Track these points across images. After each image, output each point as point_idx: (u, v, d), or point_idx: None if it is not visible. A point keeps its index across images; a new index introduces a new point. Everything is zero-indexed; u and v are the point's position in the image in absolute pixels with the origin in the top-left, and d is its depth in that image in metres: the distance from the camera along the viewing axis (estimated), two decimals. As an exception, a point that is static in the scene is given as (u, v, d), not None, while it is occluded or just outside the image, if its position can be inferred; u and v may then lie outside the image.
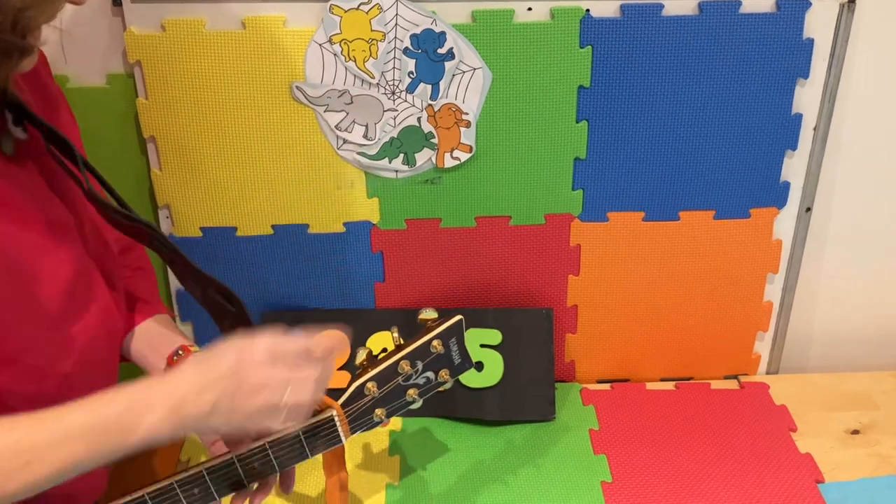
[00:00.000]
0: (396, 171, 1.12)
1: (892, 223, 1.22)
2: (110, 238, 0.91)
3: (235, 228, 1.15)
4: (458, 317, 0.94)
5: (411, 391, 0.92)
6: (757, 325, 1.26)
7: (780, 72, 1.08)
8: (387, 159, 1.11)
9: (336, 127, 1.08)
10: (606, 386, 1.28)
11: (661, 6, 1.04)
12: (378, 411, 0.90)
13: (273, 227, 1.15)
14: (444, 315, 0.95)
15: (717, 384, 1.28)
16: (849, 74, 1.10)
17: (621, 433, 1.18)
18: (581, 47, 1.05)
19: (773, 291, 1.24)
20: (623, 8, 1.04)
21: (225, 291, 0.90)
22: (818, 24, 1.06)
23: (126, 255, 0.98)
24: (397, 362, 0.91)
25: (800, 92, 1.10)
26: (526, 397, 1.18)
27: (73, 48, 1.05)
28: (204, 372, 0.74)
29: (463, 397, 1.18)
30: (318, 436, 0.85)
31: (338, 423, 0.86)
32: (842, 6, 1.05)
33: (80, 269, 0.80)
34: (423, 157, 1.11)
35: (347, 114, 1.08)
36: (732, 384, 1.28)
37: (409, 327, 1.20)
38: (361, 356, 0.92)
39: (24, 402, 0.74)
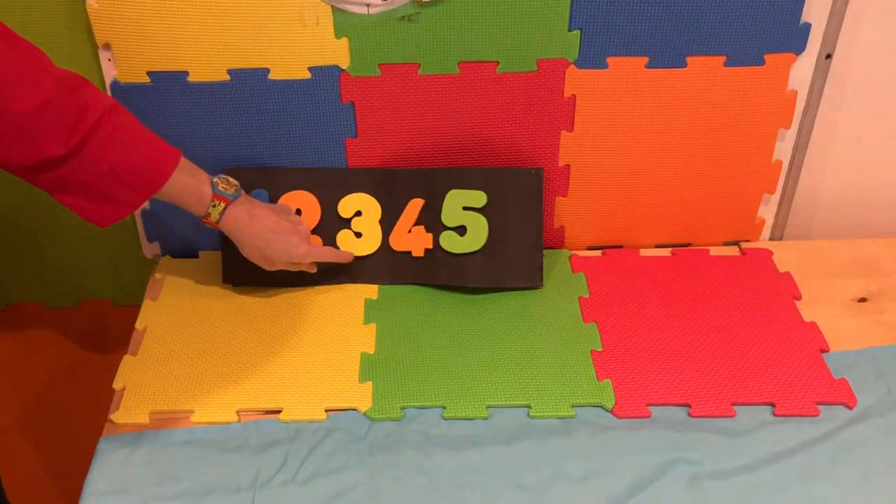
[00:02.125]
0: (368, 6, 0.98)
1: (918, 74, 1.11)
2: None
3: (187, 73, 1.01)
4: None
5: None
6: (763, 186, 1.16)
7: None
8: (358, -9, 0.97)
9: (298, -48, 0.94)
10: (598, 252, 1.18)
11: None
12: None
13: (229, 71, 1.02)
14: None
15: (716, 250, 1.19)
16: None
17: (613, 301, 1.09)
18: None
19: (783, 149, 1.13)
20: None
21: None
22: None
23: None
24: None
25: (831, -85, 0.96)
26: (512, 263, 1.09)
27: None
28: None
29: (445, 263, 1.08)
30: None
31: None
32: None
33: None
34: (400, -11, 0.97)
35: (310, -64, 0.93)
36: (733, 250, 1.20)
37: (390, 192, 1.10)
38: None
39: None
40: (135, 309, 1.08)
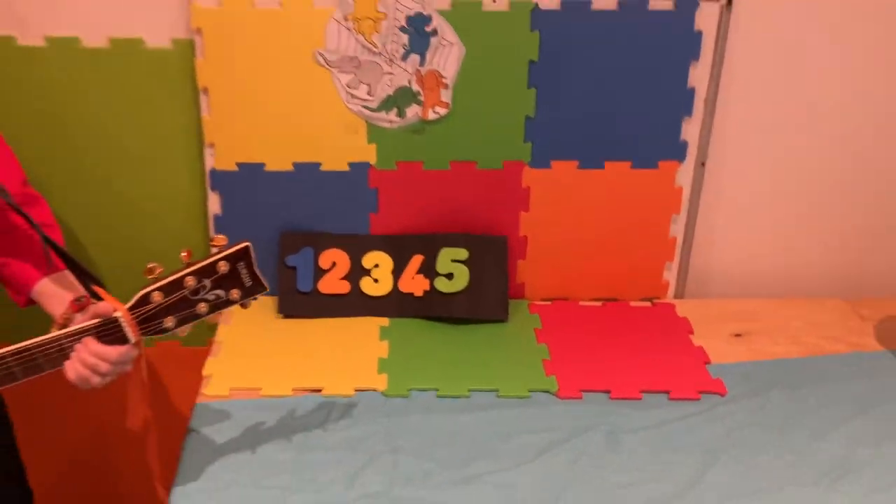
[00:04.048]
0: (391, 122, 1.47)
1: (771, 177, 1.59)
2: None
3: (264, 164, 1.48)
4: (245, 243, 1.05)
5: (202, 305, 1.05)
6: (664, 256, 1.62)
7: (677, 55, 1.46)
8: (384, 112, 1.45)
9: (346, 85, 1.43)
10: (548, 302, 1.62)
11: (590, 2, 1.41)
12: (167, 319, 1.04)
13: (294, 164, 1.49)
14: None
15: (634, 303, 1.64)
16: (730, 57, 1.48)
17: (559, 331, 1.52)
18: (531, 31, 1.42)
19: (676, 229, 1.60)
20: (563, 3, 1.41)
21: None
22: (706, 18, 1.44)
23: (26, 209, 1.15)
24: (182, 277, 1.03)
25: (693, 71, 1.47)
26: (486, 301, 1.52)
27: (147, 17, 1.38)
28: None
29: (438, 300, 1.51)
30: (108, 336, 1.03)
31: (123, 324, 1.03)
32: (722, 7, 1.44)
33: None
34: (412, 111, 1.46)
35: (355, 75, 1.42)
36: (647, 304, 1.64)
37: (400, 250, 1.54)
38: (152, 271, 1.02)
39: None
40: (199, 349, 1.46)
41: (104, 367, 1.04)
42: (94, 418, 1.73)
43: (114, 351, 1.04)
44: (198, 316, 1.06)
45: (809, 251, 1.67)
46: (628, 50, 1.45)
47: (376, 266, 1.54)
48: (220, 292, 1.06)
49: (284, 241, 1.51)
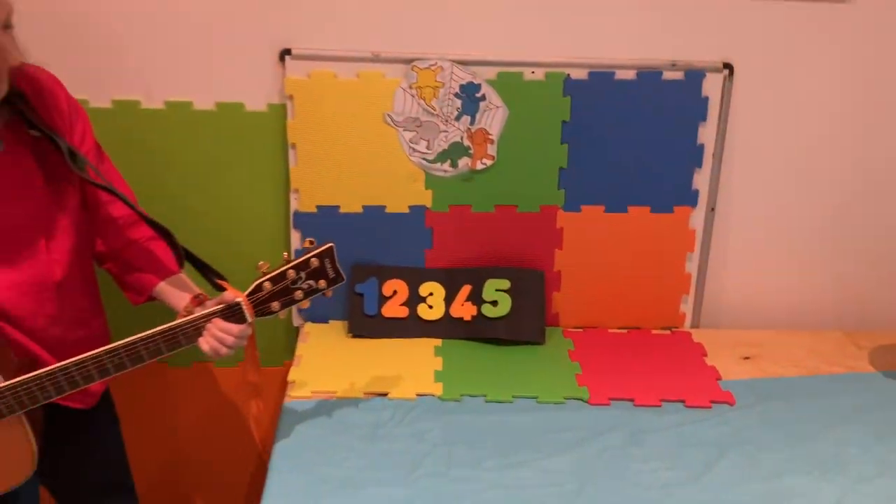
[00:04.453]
0: (445, 171, 1.74)
1: (773, 221, 1.84)
2: (117, 214, 1.41)
3: (339, 206, 1.76)
4: (330, 244, 1.35)
5: (298, 292, 1.34)
6: (681, 290, 1.86)
7: (688, 116, 1.73)
8: (440, 163, 1.73)
9: (409, 141, 1.71)
10: (580, 329, 1.86)
11: (614, 73, 1.69)
12: (274, 304, 1.33)
13: (363, 206, 1.76)
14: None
15: (655, 331, 1.87)
16: (733, 118, 1.74)
17: (589, 353, 1.76)
18: (564, 96, 1.70)
19: (691, 266, 1.84)
20: (590, 73, 1.69)
21: (165, 233, 1.40)
22: (711, 86, 1.71)
23: (137, 227, 1.43)
24: (285, 271, 1.33)
25: (702, 130, 1.74)
26: (526, 325, 1.76)
27: (248, 86, 1.68)
28: None
29: (484, 324, 1.76)
30: (231, 317, 1.32)
31: (244, 307, 1.32)
32: (725, 77, 1.71)
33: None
34: (463, 162, 1.73)
35: (417, 133, 1.71)
36: (666, 332, 1.87)
37: (451, 281, 1.79)
38: (261, 267, 1.33)
39: None
40: (274, 370, 1.71)
41: (230, 340, 1.32)
42: (190, 417, 1.99)
43: (236, 328, 1.33)
44: (295, 301, 1.35)
45: (810, 288, 1.90)
46: (646, 112, 1.72)
47: (431, 294, 1.79)
48: (311, 282, 1.35)
49: (354, 272, 1.78)
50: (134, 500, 1.66)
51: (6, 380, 1.28)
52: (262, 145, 1.73)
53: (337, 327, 1.81)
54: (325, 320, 1.84)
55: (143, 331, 1.32)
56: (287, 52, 1.66)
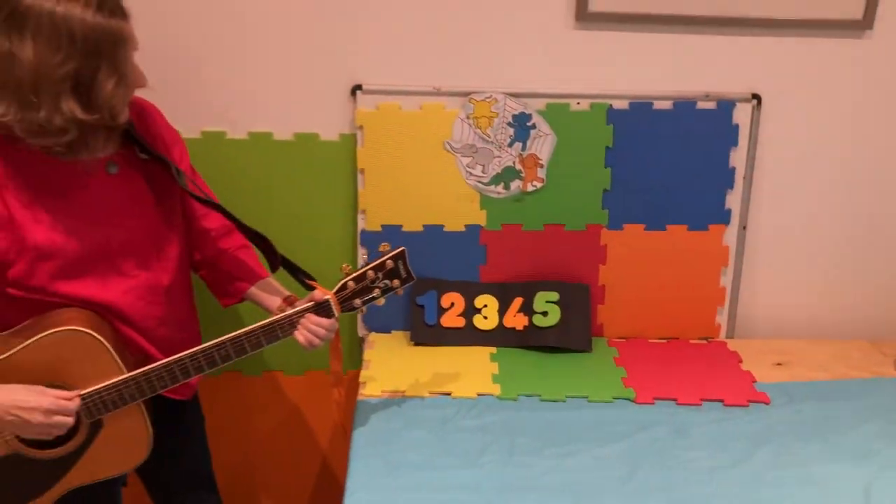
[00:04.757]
0: (498, 193, 1.92)
1: (801, 238, 1.99)
2: (211, 226, 1.61)
3: (402, 226, 1.93)
4: (402, 248, 1.56)
5: (376, 290, 1.54)
6: (716, 303, 2.01)
7: (720, 142, 1.90)
8: (493, 185, 1.91)
9: (466, 166, 1.89)
10: (623, 339, 2.01)
11: (652, 104, 1.87)
12: (356, 300, 1.53)
13: (424, 225, 1.94)
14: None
15: (693, 341, 2.01)
16: (761, 143, 1.91)
17: (633, 360, 1.90)
18: (607, 124, 1.88)
19: (725, 280, 1.99)
20: (631, 104, 1.87)
21: (265, 242, 1.59)
22: (741, 114, 1.88)
23: (227, 238, 1.63)
24: (366, 271, 1.54)
25: (733, 154, 1.91)
26: (573, 334, 1.92)
27: (322, 118, 1.87)
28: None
29: (535, 333, 1.92)
30: (321, 311, 1.51)
31: (332, 304, 1.52)
32: (753, 106, 1.88)
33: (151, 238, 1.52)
34: (515, 185, 1.91)
35: (473, 158, 1.89)
36: (703, 342, 2.01)
37: (504, 294, 1.95)
38: (344, 269, 1.54)
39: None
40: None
41: (322, 332, 1.50)
42: (271, 419, 2.15)
43: (327, 321, 1.51)
44: (374, 298, 1.55)
45: (837, 299, 2.04)
46: (682, 139, 1.89)
47: (485, 306, 1.95)
48: (387, 282, 1.55)
49: (415, 286, 1.92)
50: (217, 494, 1.81)
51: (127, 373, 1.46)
52: (333, 171, 1.91)
53: (398, 336, 1.98)
54: (387, 330, 2.00)
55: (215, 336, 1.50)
56: (358, 87, 1.85)
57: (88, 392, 1.44)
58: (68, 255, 1.43)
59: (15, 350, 1.40)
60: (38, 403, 1.39)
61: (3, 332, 1.45)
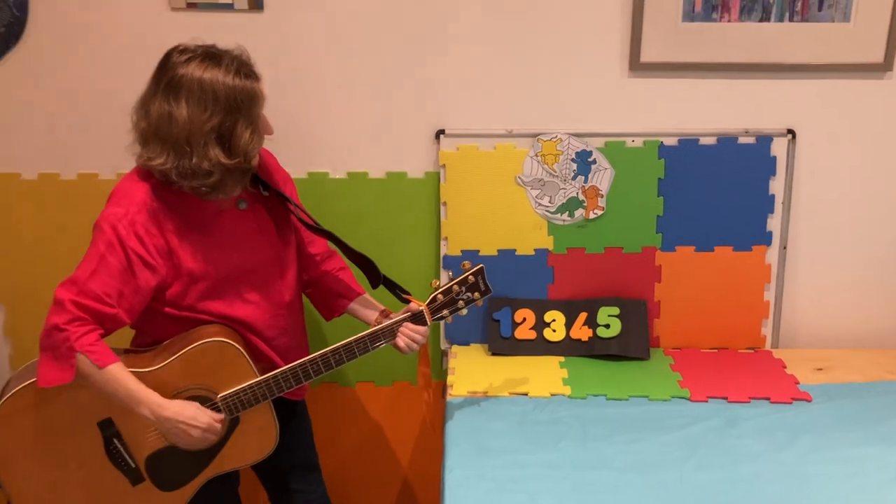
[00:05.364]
0: (564, 221, 2.19)
1: (838, 255, 2.22)
2: (315, 251, 1.92)
3: (479, 250, 2.21)
4: (481, 265, 1.84)
5: (460, 302, 1.82)
6: (761, 316, 2.23)
7: (760, 172, 2.15)
8: (559, 214, 2.18)
9: (535, 197, 2.17)
10: (677, 350, 2.24)
11: (698, 140, 2.14)
12: (444, 311, 1.81)
13: (498, 250, 2.21)
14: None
15: (740, 351, 2.24)
16: (797, 172, 2.16)
17: (687, 366, 2.14)
18: (659, 158, 2.15)
19: (769, 295, 2.23)
20: (680, 141, 2.14)
21: (370, 264, 1.89)
22: (779, 147, 2.14)
23: (329, 261, 1.94)
24: (452, 286, 1.82)
25: (772, 183, 2.16)
26: (633, 343, 2.16)
27: (410, 158, 2.17)
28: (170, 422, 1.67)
29: (598, 343, 2.16)
30: (416, 321, 1.80)
31: (425, 314, 1.80)
32: (789, 140, 2.13)
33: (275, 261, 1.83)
34: (578, 213, 2.18)
35: (541, 190, 2.17)
36: (750, 351, 2.24)
37: (570, 310, 2.21)
38: (435, 283, 1.84)
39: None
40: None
41: (418, 338, 1.79)
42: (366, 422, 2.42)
43: (422, 329, 1.80)
44: (458, 309, 1.83)
45: (872, 311, 2.26)
46: (726, 170, 2.15)
47: (554, 320, 2.21)
48: (469, 294, 1.83)
49: (491, 303, 2.21)
50: (321, 477, 2.08)
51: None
52: (420, 204, 2.21)
53: (476, 348, 2.24)
54: (466, 343, 2.27)
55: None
56: (441, 131, 2.16)
57: (229, 393, 1.73)
58: (211, 278, 1.74)
59: (171, 359, 1.70)
60: (198, 422, 1.68)
61: (154, 349, 1.76)
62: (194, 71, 1.63)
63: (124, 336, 1.80)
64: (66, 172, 2.18)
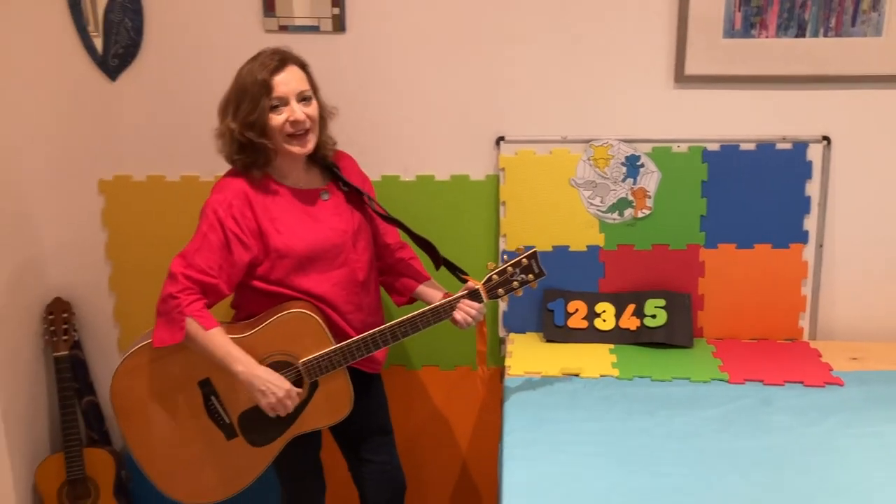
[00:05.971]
0: (614, 220, 2.39)
1: (871, 253, 2.37)
2: (390, 241, 2.17)
3: (535, 245, 2.42)
4: (534, 249, 2.04)
5: (514, 283, 2.01)
6: (798, 309, 2.40)
7: (797, 175, 2.33)
8: (610, 213, 2.38)
9: (588, 198, 2.38)
10: (719, 340, 2.42)
11: (738, 146, 2.32)
12: (499, 290, 2.02)
13: (553, 247, 2.42)
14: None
15: (779, 342, 2.40)
16: (832, 175, 2.32)
17: (728, 354, 2.31)
18: (702, 162, 2.34)
19: (806, 290, 2.39)
20: (721, 146, 2.32)
21: (431, 247, 2.14)
22: (814, 153, 2.31)
23: (402, 250, 2.20)
24: (507, 267, 2.02)
25: (808, 185, 2.33)
26: (678, 332, 2.34)
27: (473, 162, 2.40)
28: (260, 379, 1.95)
29: (646, 332, 2.36)
30: (473, 298, 2.01)
31: (482, 292, 2.01)
32: (824, 146, 2.30)
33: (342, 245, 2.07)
34: (627, 213, 2.38)
35: (593, 192, 2.38)
36: (788, 342, 2.40)
37: (619, 301, 2.41)
38: (490, 265, 2.05)
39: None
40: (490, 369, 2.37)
41: (474, 313, 2.02)
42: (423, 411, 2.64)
43: (477, 305, 2.03)
44: (513, 289, 2.04)
45: (906, 307, 2.40)
46: (764, 173, 2.33)
47: (604, 311, 2.41)
48: (523, 276, 2.04)
49: (546, 295, 2.42)
50: (395, 451, 2.31)
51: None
52: (481, 203, 2.44)
53: (532, 336, 2.46)
54: (523, 331, 2.49)
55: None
56: (501, 138, 2.39)
57: (309, 358, 1.98)
58: (295, 256, 2.00)
59: (260, 328, 1.97)
60: (279, 388, 1.94)
61: (247, 322, 2.03)
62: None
63: (225, 315, 2.07)
64: (170, 174, 2.48)
